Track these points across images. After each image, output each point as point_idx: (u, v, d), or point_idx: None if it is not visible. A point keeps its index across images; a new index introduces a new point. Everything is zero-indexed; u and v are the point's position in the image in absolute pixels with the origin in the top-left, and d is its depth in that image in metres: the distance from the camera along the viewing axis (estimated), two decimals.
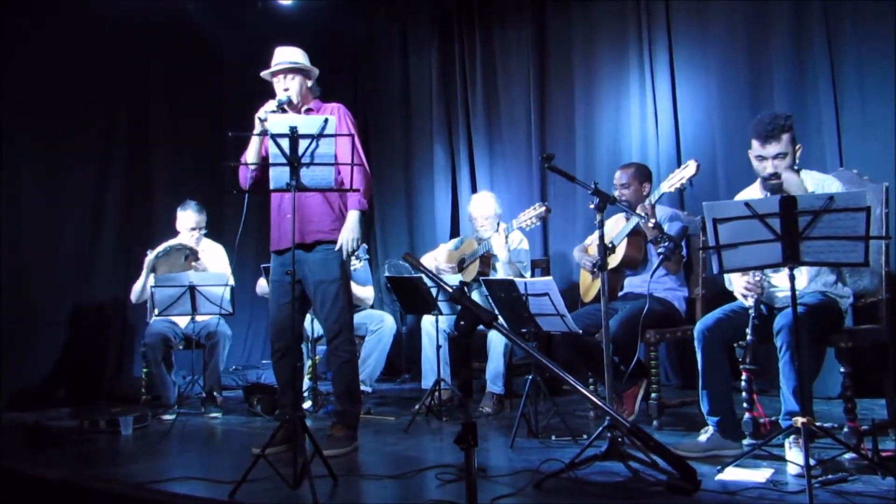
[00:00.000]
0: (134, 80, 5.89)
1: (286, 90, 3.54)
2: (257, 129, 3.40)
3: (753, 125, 3.17)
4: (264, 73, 3.61)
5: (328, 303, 3.46)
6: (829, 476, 2.62)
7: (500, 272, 4.56)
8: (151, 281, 4.64)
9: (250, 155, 3.51)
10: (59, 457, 3.54)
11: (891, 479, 2.51)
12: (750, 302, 3.06)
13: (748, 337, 3.00)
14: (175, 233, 5.04)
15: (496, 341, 4.39)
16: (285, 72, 3.56)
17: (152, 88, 6.01)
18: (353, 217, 3.47)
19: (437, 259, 5.11)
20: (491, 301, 3.69)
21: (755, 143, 3.14)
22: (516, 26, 6.08)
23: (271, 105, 3.44)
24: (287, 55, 3.60)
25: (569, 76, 5.77)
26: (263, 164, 3.40)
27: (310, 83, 3.64)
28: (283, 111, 3.44)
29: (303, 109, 3.60)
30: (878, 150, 4.30)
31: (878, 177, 3.41)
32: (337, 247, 3.46)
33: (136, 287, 4.87)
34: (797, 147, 3.15)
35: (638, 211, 3.80)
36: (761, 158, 3.13)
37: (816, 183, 3.14)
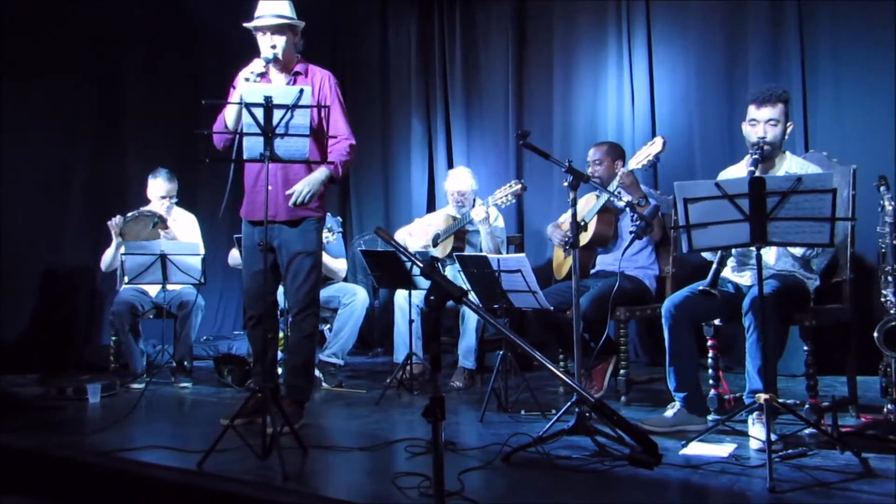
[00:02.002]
0: (106, 43, 5.77)
1: (273, 47, 3.33)
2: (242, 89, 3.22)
3: (750, 92, 3.23)
4: (248, 25, 3.39)
5: (301, 274, 3.36)
6: (790, 451, 2.68)
7: (483, 242, 4.57)
8: (122, 248, 4.58)
9: (230, 119, 3.31)
10: (24, 424, 3.50)
11: (849, 454, 2.57)
12: None
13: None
14: (146, 201, 4.98)
15: (469, 317, 4.42)
16: (273, 27, 3.35)
17: (125, 52, 5.89)
18: (320, 172, 3.32)
19: (411, 234, 5.11)
20: (464, 276, 3.70)
21: (751, 108, 3.18)
22: (497, 1, 6.02)
23: (259, 66, 3.26)
24: (273, 7, 3.37)
25: (548, 53, 5.74)
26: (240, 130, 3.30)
27: (296, 39, 3.44)
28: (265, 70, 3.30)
29: (290, 70, 3.46)
30: (848, 133, 4.38)
31: (847, 159, 3.46)
32: (294, 197, 3.29)
33: (107, 256, 4.81)
34: (789, 123, 3.20)
35: (617, 180, 3.82)
36: (754, 123, 3.17)
37: (800, 168, 3.19)
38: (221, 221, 5.61)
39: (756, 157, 3.08)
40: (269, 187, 3.04)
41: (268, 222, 2.99)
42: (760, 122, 3.15)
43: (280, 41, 3.36)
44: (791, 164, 3.21)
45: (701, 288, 2.96)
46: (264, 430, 2.73)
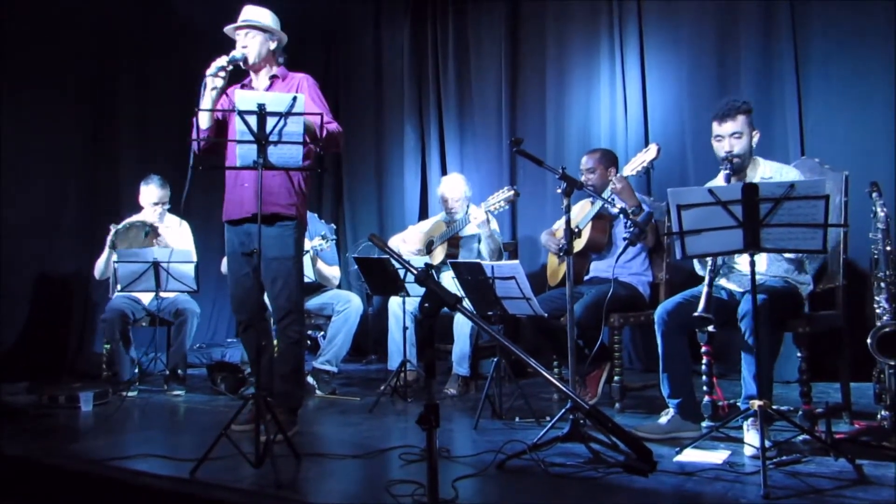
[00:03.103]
0: (102, 49, 5.77)
1: (244, 48, 3.40)
2: (209, 85, 3.27)
3: (713, 110, 3.26)
4: (227, 29, 3.46)
5: (280, 281, 3.34)
6: (784, 457, 2.68)
7: (483, 246, 4.57)
8: (114, 256, 4.57)
9: (203, 118, 3.34)
10: (16, 432, 3.48)
11: (842, 461, 2.58)
12: None
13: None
14: (139, 207, 4.97)
15: (462, 323, 4.41)
16: (246, 28, 3.43)
17: (121, 59, 5.89)
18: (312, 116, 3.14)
19: (405, 241, 5.10)
20: (458, 283, 3.70)
21: (714, 125, 3.24)
22: (489, 8, 6.05)
23: (222, 60, 3.30)
24: (251, 14, 3.46)
25: (541, 60, 5.77)
26: (217, 127, 3.34)
27: (273, 45, 3.48)
28: (242, 68, 3.33)
29: (262, 74, 3.48)
30: (840, 139, 4.40)
31: (839, 165, 3.48)
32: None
33: (99, 264, 4.79)
34: (754, 132, 3.24)
35: (611, 185, 3.82)
36: (720, 138, 3.22)
37: (775, 171, 3.23)
38: (214, 228, 5.59)
39: (727, 171, 3.14)
40: (246, 185, 3.04)
41: (260, 222, 2.96)
42: (725, 137, 3.20)
43: (251, 42, 3.42)
44: (765, 169, 3.24)
45: (696, 314, 2.96)
46: (257, 438, 2.71)
